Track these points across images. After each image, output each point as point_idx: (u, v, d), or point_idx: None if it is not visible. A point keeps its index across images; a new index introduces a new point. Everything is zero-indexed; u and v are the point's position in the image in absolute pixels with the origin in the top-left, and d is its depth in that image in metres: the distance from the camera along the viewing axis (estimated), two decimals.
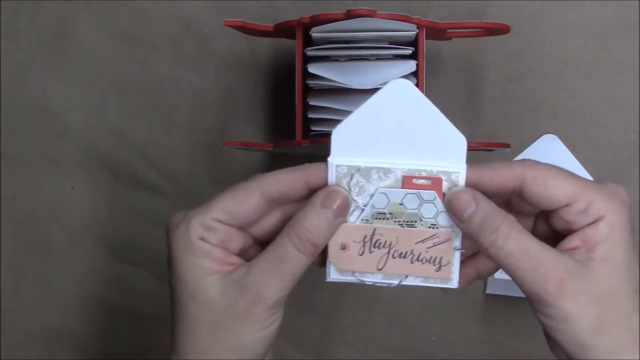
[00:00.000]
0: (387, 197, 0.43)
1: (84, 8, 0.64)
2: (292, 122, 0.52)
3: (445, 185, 0.42)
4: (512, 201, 0.43)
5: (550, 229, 0.41)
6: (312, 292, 0.63)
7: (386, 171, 0.43)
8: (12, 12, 0.65)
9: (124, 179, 0.64)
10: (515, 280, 0.40)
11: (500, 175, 0.40)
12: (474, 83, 0.61)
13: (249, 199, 0.41)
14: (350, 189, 0.42)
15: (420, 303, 0.62)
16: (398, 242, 0.44)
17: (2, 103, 0.65)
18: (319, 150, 0.55)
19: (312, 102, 0.52)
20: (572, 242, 0.39)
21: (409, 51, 0.51)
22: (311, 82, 0.52)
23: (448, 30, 0.55)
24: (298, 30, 0.52)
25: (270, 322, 0.41)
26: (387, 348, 0.63)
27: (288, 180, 0.41)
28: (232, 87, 0.63)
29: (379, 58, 0.51)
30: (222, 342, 0.41)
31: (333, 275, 0.45)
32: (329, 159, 0.42)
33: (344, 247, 0.44)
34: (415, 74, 0.52)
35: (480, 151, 0.58)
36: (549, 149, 0.59)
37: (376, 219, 0.44)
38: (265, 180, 0.41)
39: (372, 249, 0.45)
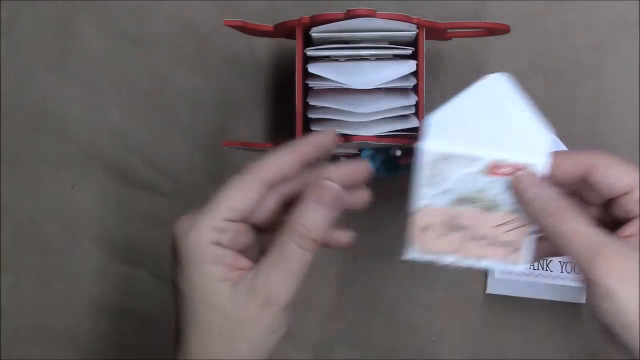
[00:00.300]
0: (470, 183, 0.46)
1: (84, 8, 0.64)
2: (292, 122, 0.52)
3: None
4: (579, 189, 0.45)
5: (613, 218, 0.44)
6: (312, 292, 0.63)
7: (473, 159, 0.46)
8: (12, 12, 0.65)
9: (124, 179, 0.64)
10: (571, 260, 0.42)
11: (566, 164, 0.43)
12: (474, 83, 0.61)
13: (253, 192, 0.41)
14: (438, 173, 0.46)
15: (420, 303, 0.62)
16: (477, 226, 0.47)
17: (2, 103, 0.65)
18: None
19: (312, 102, 0.52)
20: (627, 229, 0.42)
21: (409, 51, 0.51)
22: (311, 82, 0.52)
23: (448, 30, 0.55)
24: (298, 30, 0.52)
25: (281, 324, 0.41)
26: (387, 348, 0.63)
27: (286, 163, 0.42)
28: (232, 87, 0.63)
29: (379, 58, 0.51)
30: (234, 346, 0.41)
31: (411, 254, 0.48)
32: (421, 144, 0.45)
33: (426, 229, 0.47)
34: (415, 74, 0.52)
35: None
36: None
37: (458, 203, 0.47)
38: (264, 168, 0.41)
39: (452, 231, 0.47)
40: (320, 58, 0.52)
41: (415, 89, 0.52)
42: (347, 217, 0.63)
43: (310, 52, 0.51)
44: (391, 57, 0.51)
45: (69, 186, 0.65)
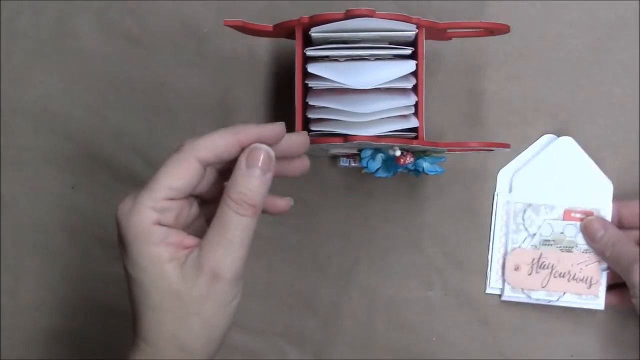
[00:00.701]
0: (551, 227, 0.58)
1: (84, 8, 0.64)
2: (291, 122, 0.52)
3: None
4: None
5: None
6: (312, 292, 0.63)
7: (551, 207, 0.59)
8: (12, 12, 0.65)
9: (124, 179, 0.64)
10: (622, 275, 0.55)
11: (629, 210, 0.57)
12: (474, 83, 0.61)
13: (190, 170, 0.41)
14: (523, 220, 0.59)
15: (420, 303, 0.62)
16: (559, 264, 0.58)
17: (2, 103, 0.65)
18: (318, 150, 0.55)
19: (311, 102, 0.52)
20: None
21: (408, 51, 0.51)
22: (311, 82, 0.52)
23: (448, 30, 0.55)
24: (298, 30, 0.52)
25: (233, 296, 0.42)
26: (387, 348, 0.63)
27: (222, 144, 0.42)
28: (232, 87, 0.63)
29: (379, 58, 0.51)
30: (190, 325, 0.41)
31: (507, 294, 0.60)
32: (502, 195, 0.60)
33: (517, 268, 0.59)
34: (414, 74, 0.52)
35: (480, 151, 0.58)
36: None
37: (542, 245, 0.59)
38: (200, 147, 0.41)
39: (539, 269, 0.59)
40: (320, 58, 0.52)
41: (415, 88, 0.52)
42: (347, 216, 0.63)
43: (310, 52, 0.51)
44: (391, 57, 0.51)
45: (69, 186, 0.65)
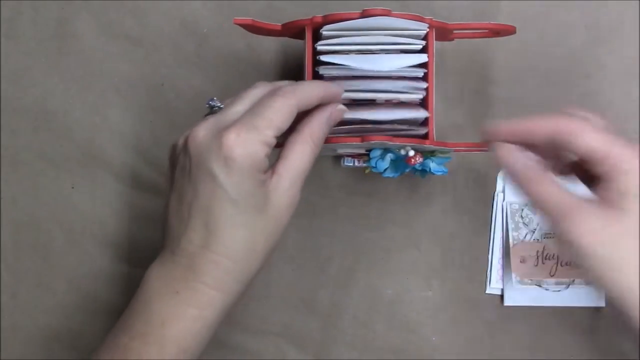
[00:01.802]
0: None
1: (84, 8, 0.64)
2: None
3: None
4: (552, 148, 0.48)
5: (585, 171, 0.47)
6: (312, 292, 0.63)
7: None
8: (12, 12, 0.65)
9: (124, 179, 0.64)
10: (540, 215, 0.51)
11: (539, 129, 0.46)
12: (476, 83, 0.61)
13: (292, 114, 0.47)
14: (522, 217, 0.59)
15: (420, 303, 0.62)
16: (563, 254, 0.58)
17: (2, 103, 0.65)
18: (326, 150, 0.55)
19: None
20: (595, 189, 0.45)
21: (419, 46, 0.52)
22: (322, 70, 0.52)
23: (455, 31, 0.55)
24: (308, 30, 0.52)
25: (289, 219, 0.48)
26: (387, 348, 0.63)
27: (315, 97, 0.48)
28: (232, 87, 0.63)
29: (388, 52, 0.52)
30: (267, 234, 0.47)
31: (515, 285, 0.60)
32: (502, 195, 0.60)
33: (522, 261, 0.59)
34: (424, 78, 0.52)
35: (482, 151, 0.58)
36: None
37: (544, 238, 0.59)
38: (301, 96, 0.47)
39: (544, 260, 0.59)
40: (329, 53, 0.52)
41: (425, 77, 0.53)
42: (347, 216, 0.63)
43: (321, 47, 0.51)
44: (399, 52, 0.52)
45: (69, 186, 0.65)
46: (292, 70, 0.54)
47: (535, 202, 0.46)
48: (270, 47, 0.63)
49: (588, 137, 0.45)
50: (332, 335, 0.63)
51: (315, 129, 0.48)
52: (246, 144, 0.45)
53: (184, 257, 0.46)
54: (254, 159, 0.45)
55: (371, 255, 0.63)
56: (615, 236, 0.43)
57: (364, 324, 0.63)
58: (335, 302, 0.63)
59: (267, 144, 0.46)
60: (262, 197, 0.46)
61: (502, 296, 0.61)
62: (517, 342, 0.62)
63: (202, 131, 0.46)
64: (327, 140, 0.50)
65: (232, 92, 0.63)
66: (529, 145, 0.47)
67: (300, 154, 0.48)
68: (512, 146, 0.47)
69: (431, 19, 0.52)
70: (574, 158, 0.48)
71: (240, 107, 0.48)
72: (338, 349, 0.63)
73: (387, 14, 0.49)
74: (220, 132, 0.45)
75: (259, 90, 0.49)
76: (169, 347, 0.45)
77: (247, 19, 0.53)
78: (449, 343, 0.62)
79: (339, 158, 0.59)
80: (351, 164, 0.58)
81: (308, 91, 0.48)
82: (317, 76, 0.52)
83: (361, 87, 0.51)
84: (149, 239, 0.64)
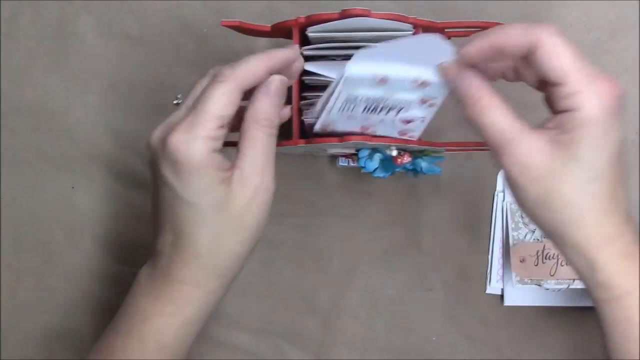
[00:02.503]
0: None
1: (84, 8, 0.64)
2: (288, 121, 0.52)
3: None
4: (518, 65, 0.45)
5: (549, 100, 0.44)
6: (312, 292, 0.63)
7: None
8: (12, 12, 0.65)
9: (124, 179, 0.64)
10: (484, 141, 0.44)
11: (517, 39, 0.41)
12: None
13: (236, 99, 0.45)
14: (522, 217, 0.59)
15: (420, 303, 0.62)
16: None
17: (2, 103, 0.65)
18: (316, 149, 0.55)
19: (307, 94, 0.52)
20: (545, 123, 0.42)
21: None
22: (307, 79, 0.52)
23: (446, 30, 0.55)
24: (295, 30, 0.52)
25: (269, 199, 0.47)
26: (387, 348, 0.63)
27: (259, 73, 0.46)
28: None
29: None
30: (236, 233, 0.46)
31: (515, 285, 0.59)
32: (502, 195, 0.59)
33: (522, 260, 0.59)
34: None
35: (479, 151, 0.58)
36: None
37: (544, 237, 0.59)
38: (243, 77, 0.45)
39: (544, 260, 0.59)
40: (318, 57, 0.52)
41: None
42: (347, 216, 0.63)
43: (307, 52, 0.51)
44: None
45: (69, 186, 0.65)
46: None
47: (479, 130, 0.43)
48: (269, 47, 0.63)
49: (560, 58, 0.40)
50: (332, 335, 0.63)
51: (259, 109, 0.46)
52: (188, 143, 0.44)
53: (161, 258, 0.47)
54: (200, 157, 0.44)
55: (371, 255, 0.63)
56: (554, 176, 0.41)
57: (364, 324, 0.63)
58: (335, 302, 0.63)
59: (211, 137, 0.44)
60: (223, 193, 0.45)
61: (502, 296, 0.61)
62: (517, 342, 0.62)
63: (155, 135, 0.46)
64: (309, 142, 0.50)
65: None
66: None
67: (252, 141, 0.46)
68: (457, 66, 0.44)
69: (415, 18, 0.51)
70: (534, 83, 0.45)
71: (188, 101, 0.47)
72: (338, 349, 0.63)
73: (366, 14, 0.49)
74: (165, 135, 0.45)
75: (204, 80, 0.48)
76: (149, 342, 0.46)
77: (234, 20, 0.53)
78: (449, 343, 0.62)
79: (335, 158, 0.59)
80: (345, 164, 0.58)
81: (249, 68, 0.46)
82: (303, 85, 0.52)
83: None
84: (149, 239, 0.64)
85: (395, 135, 0.51)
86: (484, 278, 0.62)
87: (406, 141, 0.51)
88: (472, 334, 0.62)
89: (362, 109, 0.49)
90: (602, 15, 0.60)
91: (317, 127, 0.50)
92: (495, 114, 0.43)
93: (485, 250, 0.62)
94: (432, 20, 0.52)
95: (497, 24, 0.54)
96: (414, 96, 0.48)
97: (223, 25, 0.53)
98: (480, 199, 0.62)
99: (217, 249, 0.46)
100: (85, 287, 0.65)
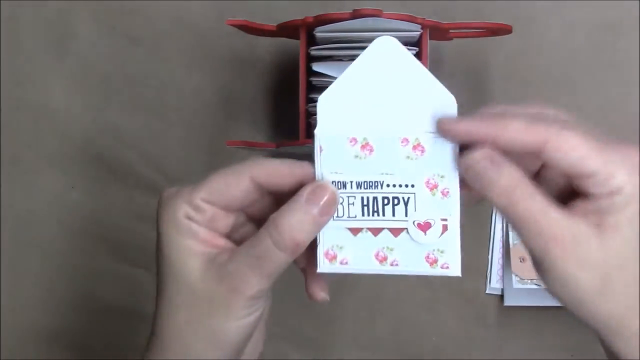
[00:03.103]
0: None
1: (84, 8, 0.64)
2: (293, 121, 0.52)
3: None
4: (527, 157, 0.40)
5: (562, 180, 0.40)
6: None
7: None
8: (12, 12, 0.65)
9: (124, 178, 0.64)
10: (521, 239, 0.39)
11: (521, 139, 0.38)
12: (474, 83, 0.61)
13: (239, 182, 0.40)
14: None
15: (420, 303, 0.62)
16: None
17: (2, 103, 0.65)
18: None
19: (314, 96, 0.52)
20: (585, 207, 0.38)
21: (412, 52, 0.51)
22: (315, 80, 0.52)
23: (451, 31, 0.55)
24: (302, 30, 0.52)
25: (249, 313, 0.40)
26: (387, 348, 0.63)
27: (278, 170, 0.40)
28: (232, 87, 0.63)
29: None
30: (198, 326, 0.40)
31: (515, 285, 0.59)
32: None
33: (522, 260, 0.58)
34: None
35: None
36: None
37: None
38: (257, 166, 0.40)
39: None
40: (324, 58, 0.52)
41: None
42: None
43: (315, 52, 0.51)
44: None
45: (69, 186, 0.65)
46: (292, 70, 0.53)
47: (511, 218, 0.38)
48: (270, 47, 0.63)
49: (578, 151, 0.37)
50: (332, 335, 0.63)
51: (283, 214, 0.39)
52: (167, 202, 0.40)
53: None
54: (172, 219, 0.40)
55: None
56: (610, 262, 0.38)
57: (365, 324, 0.63)
58: (335, 302, 0.63)
59: (192, 204, 0.40)
60: (198, 272, 0.40)
61: (502, 296, 0.61)
62: (517, 342, 0.62)
63: (169, 189, 0.42)
64: (301, 143, 0.49)
65: (232, 92, 0.63)
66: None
67: (257, 240, 0.39)
68: (493, 153, 0.38)
69: (424, 18, 0.51)
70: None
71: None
72: (338, 349, 0.63)
73: (377, 14, 0.49)
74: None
75: None
76: None
77: (240, 19, 0.53)
78: (449, 343, 0.62)
79: None
80: None
81: (273, 163, 0.40)
82: (310, 86, 0.52)
83: None
84: (149, 239, 0.64)
85: (424, 264, 0.42)
86: (484, 278, 0.62)
87: None
88: (472, 334, 0.62)
89: (359, 208, 0.40)
90: (602, 15, 0.60)
91: (322, 264, 0.41)
92: (537, 204, 0.38)
93: (485, 250, 0.62)
94: (438, 20, 0.52)
95: (502, 24, 0.54)
96: (412, 172, 0.39)
97: (229, 25, 0.53)
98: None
99: (170, 329, 0.41)
100: (85, 287, 0.65)
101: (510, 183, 0.38)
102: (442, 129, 0.39)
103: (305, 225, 0.39)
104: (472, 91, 0.62)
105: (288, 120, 0.58)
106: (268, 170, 0.40)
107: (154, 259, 0.66)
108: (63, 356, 0.65)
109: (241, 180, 0.40)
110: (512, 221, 0.39)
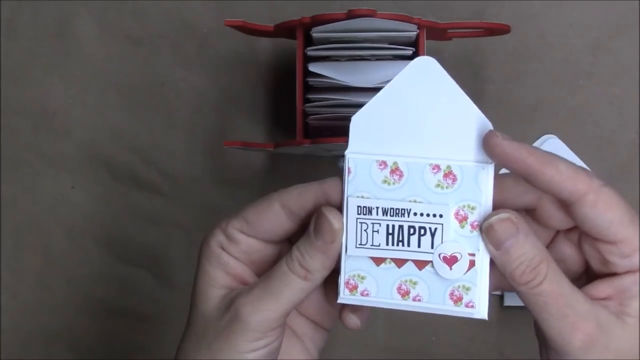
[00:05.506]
0: None
1: (84, 8, 0.64)
2: (292, 121, 0.52)
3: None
4: (542, 205, 0.38)
5: (577, 250, 0.39)
6: None
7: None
8: (12, 12, 0.65)
9: (124, 179, 0.64)
10: (539, 321, 0.38)
11: (563, 183, 0.36)
12: (474, 83, 0.61)
13: (270, 210, 0.39)
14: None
15: None
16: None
17: (2, 103, 0.65)
18: (320, 150, 0.55)
19: (312, 96, 0.52)
20: (605, 289, 0.37)
21: (409, 52, 0.51)
22: (312, 80, 0.52)
23: (449, 31, 0.55)
24: (299, 31, 0.52)
25: (254, 348, 0.38)
26: (387, 348, 0.63)
27: (307, 194, 0.39)
28: (232, 87, 0.63)
29: (379, 58, 0.51)
30: (204, 355, 0.39)
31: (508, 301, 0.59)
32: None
33: None
34: None
35: None
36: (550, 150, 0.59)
37: None
38: (285, 192, 0.39)
39: None
40: (321, 58, 0.52)
41: None
42: None
43: (311, 52, 0.51)
44: (391, 57, 0.52)
45: (69, 186, 0.65)
46: (292, 70, 0.54)
47: (531, 298, 0.37)
48: (270, 47, 0.63)
49: (613, 213, 0.35)
50: (332, 335, 0.63)
51: (299, 243, 0.38)
52: (209, 232, 0.40)
53: None
54: (207, 247, 0.40)
55: None
56: (627, 355, 0.36)
57: (364, 324, 0.63)
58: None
59: (227, 235, 0.40)
60: (214, 302, 0.39)
61: (502, 296, 0.61)
62: (517, 342, 0.62)
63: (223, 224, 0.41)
64: (312, 142, 0.49)
65: (232, 92, 0.63)
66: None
67: (275, 268, 0.39)
68: (521, 219, 0.36)
69: (420, 18, 0.51)
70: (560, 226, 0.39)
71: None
72: (338, 349, 0.63)
73: (372, 14, 0.49)
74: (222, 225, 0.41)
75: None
76: None
77: (237, 20, 0.53)
78: (449, 343, 0.62)
79: (336, 159, 0.59)
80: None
81: (302, 188, 0.39)
82: (307, 86, 0.52)
83: (352, 98, 0.50)
84: (149, 239, 0.64)
85: (447, 301, 0.41)
86: None
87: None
88: (472, 334, 0.62)
89: (384, 237, 0.38)
90: (602, 15, 0.60)
91: (342, 294, 0.39)
92: (564, 286, 0.36)
93: None
94: (435, 20, 0.52)
95: (502, 25, 0.54)
96: (441, 201, 0.37)
97: (227, 25, 0.53)
98: None
99: (192, 355, 0.40)
100: (85, 287, 0.65)
101: (535, 255, 0.36)
102: (488, 142, 0.36)
103: (313, 255, 0.38)
104: (471, 91, 0.61)
105: (287, 119, 0.58)
106: (293, 195, 0.39)
107: (155, 260, 0.67)
108: (63, 356, 0.65)
109: (271, 207, 0.39)
110: (532, 298, 0.37)
